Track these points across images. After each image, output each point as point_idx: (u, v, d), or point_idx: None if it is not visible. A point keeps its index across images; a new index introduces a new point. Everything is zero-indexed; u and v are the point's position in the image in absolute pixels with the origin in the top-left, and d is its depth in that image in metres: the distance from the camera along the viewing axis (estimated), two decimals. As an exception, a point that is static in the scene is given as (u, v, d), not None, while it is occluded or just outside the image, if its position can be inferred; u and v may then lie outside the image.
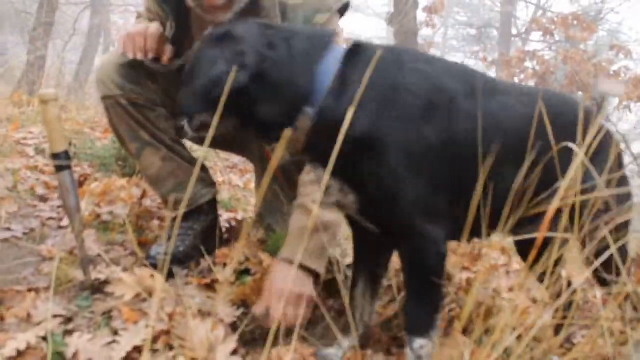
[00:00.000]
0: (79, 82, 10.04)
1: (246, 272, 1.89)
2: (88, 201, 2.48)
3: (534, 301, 1.84)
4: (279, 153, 1.40)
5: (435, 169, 1.37)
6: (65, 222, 2.31)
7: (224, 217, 2.80)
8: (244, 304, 1.70)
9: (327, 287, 1.82)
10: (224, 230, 2.39)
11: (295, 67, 1.37)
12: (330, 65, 1.38)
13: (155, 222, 2.37)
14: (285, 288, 1.58)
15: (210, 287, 1.78)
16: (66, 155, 1.70)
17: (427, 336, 1.38)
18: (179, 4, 1.85)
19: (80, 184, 2.98)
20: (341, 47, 1.44)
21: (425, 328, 1.39)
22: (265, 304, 1.59)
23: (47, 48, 7.49)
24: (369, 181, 1.38)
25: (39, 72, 7.01)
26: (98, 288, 1.73)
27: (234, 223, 2.74)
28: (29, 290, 1.68)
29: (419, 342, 1.38)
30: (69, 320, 1.54)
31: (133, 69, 1.92)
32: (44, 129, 4.12)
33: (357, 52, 1.42)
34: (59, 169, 1.69)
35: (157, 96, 2.00)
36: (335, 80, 1.37)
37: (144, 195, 2.48)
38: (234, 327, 1.59)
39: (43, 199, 2.62)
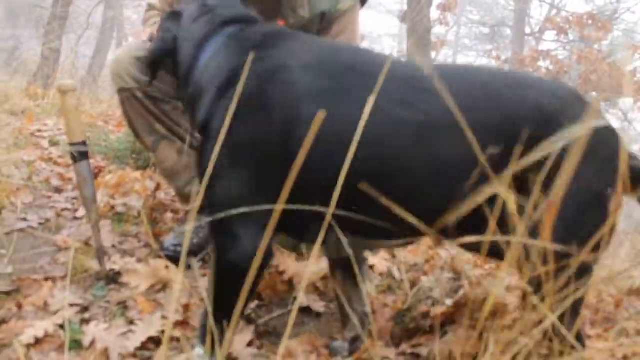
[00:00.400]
0: (92, 76, 10.08)
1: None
2: (103, 193, 2.50)
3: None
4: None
5: (264, 173, 1.22)
6: (80, 213, 2.33)
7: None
8: (259, 296, 1.70)
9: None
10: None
11: (186, 49, 1.46)
12: (210, 48, 1.41)
13: (169, 215, 2.38)
14: None
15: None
16: (84, 145, 1.71)
17: (201, 346, 1.24)
18: None
19: (95, 176, 2.99)
20: (230, 30, 1.42)
21: (202, 336, 1.25)
22: None
23: (62, 42, 7.53)
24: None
25: (53, 65, 7.06)
26: (113, 278, 1.74)
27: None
28: (46, 279, 1.70)
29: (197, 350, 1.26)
30: (85, 309, 1.55)
31: None
32: (58, 122, 4.16)
33: (238, 34, 1.40)
34: (77, 158, 1.71)
35: (172, 89, 2.00)
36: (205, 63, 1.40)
37: (157, 187, 2.49)
38: (249, 319, 1.59)
39: (58, 190, 2.64)
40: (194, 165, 1.66)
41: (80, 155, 1.71)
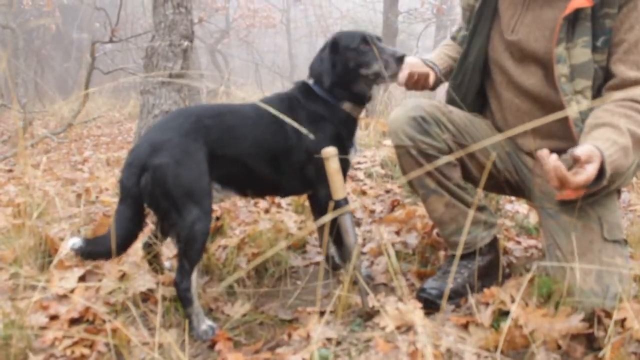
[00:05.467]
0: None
1: (507, 314, 1.91)
2: (388, 229, 2.80)
3: None
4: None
5: None
6: (365, 248, 2.68)
7: (523, 244, 2.79)
8: (494, 350, 1.73)
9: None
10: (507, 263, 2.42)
11: None
12: None
13: (442, 253, 2.54)
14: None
15: (467, 327, 1.87)
16: (345, 201, 2.02)
17: None
18: None
19: (392, 209, 3.34)
20: None
21: None
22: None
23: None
24: None
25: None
26: (371, 315, 2.00)
27: (533, 251, 2.71)
28: (321, 312, 2.04)
29: None
30: (338, 343, 1.84)
31: (424, 122, 2.10)
32: (375, 153, 4.67)
33: None
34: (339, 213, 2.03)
35: (445, 145, 2.13)
36: None
37: (434, 225, 2.67)
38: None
39: (358, 224, 3.04)
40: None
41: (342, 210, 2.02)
